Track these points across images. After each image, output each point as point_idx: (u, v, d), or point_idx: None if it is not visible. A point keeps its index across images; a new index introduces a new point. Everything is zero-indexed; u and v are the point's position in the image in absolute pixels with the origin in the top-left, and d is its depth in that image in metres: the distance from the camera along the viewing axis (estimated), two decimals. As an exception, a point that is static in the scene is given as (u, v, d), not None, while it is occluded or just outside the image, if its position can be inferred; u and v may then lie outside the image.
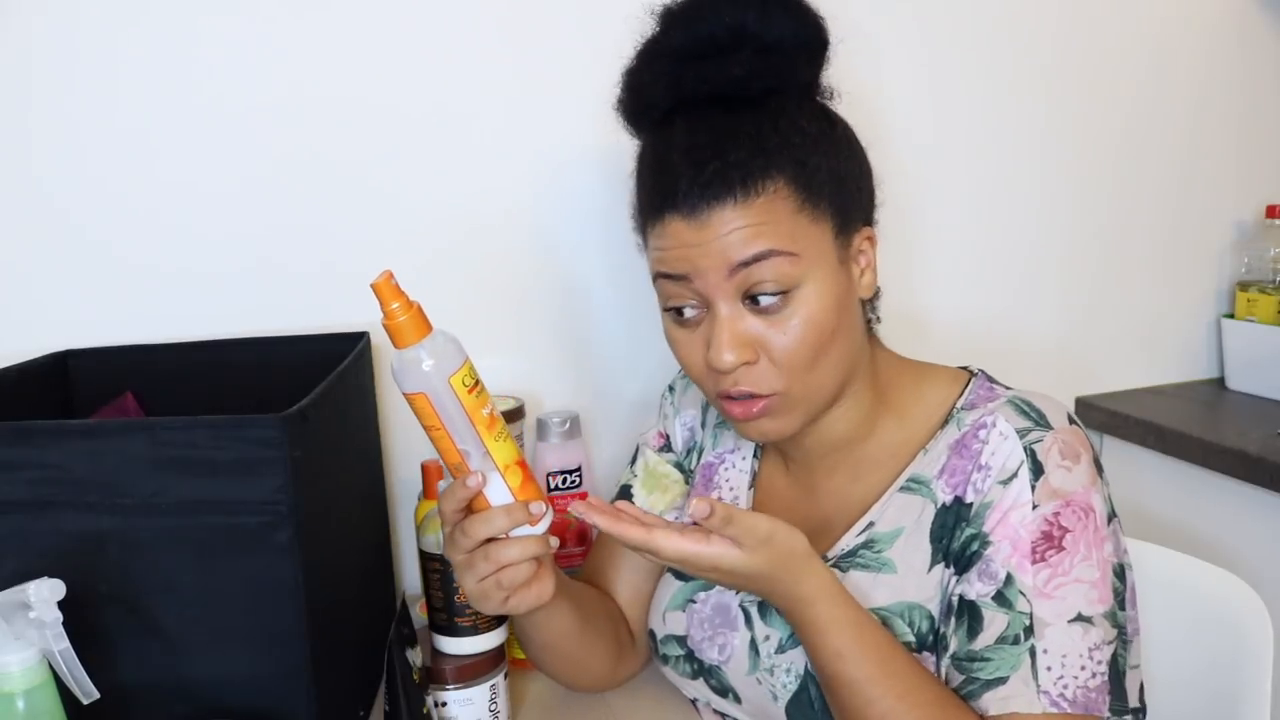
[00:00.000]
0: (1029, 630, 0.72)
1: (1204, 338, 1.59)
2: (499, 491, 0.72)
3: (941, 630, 0.77)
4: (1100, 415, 1.49)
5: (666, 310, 0.81)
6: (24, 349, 1.04)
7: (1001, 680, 0.72)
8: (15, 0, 1.05)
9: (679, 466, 1.01)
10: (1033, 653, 0.72)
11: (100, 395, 1.05)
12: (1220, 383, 1.58)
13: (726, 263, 0.75)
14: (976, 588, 0.75)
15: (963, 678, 0.74)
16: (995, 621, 0.73)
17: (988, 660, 0.73)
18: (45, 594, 0.67)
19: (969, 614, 0.75)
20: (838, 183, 0.78)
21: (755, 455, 0.96)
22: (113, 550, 0.76)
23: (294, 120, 1.14)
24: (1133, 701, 0.78)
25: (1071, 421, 0.80)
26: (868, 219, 0.83)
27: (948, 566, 0.78)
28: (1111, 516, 0.78)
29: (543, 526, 0.74)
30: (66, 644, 0.68)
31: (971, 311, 1.42)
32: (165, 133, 1.11)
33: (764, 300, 0.76)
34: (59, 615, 0.67)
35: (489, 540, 0.73)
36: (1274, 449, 1.27)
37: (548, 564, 0.78)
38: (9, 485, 0.75)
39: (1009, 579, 0.74)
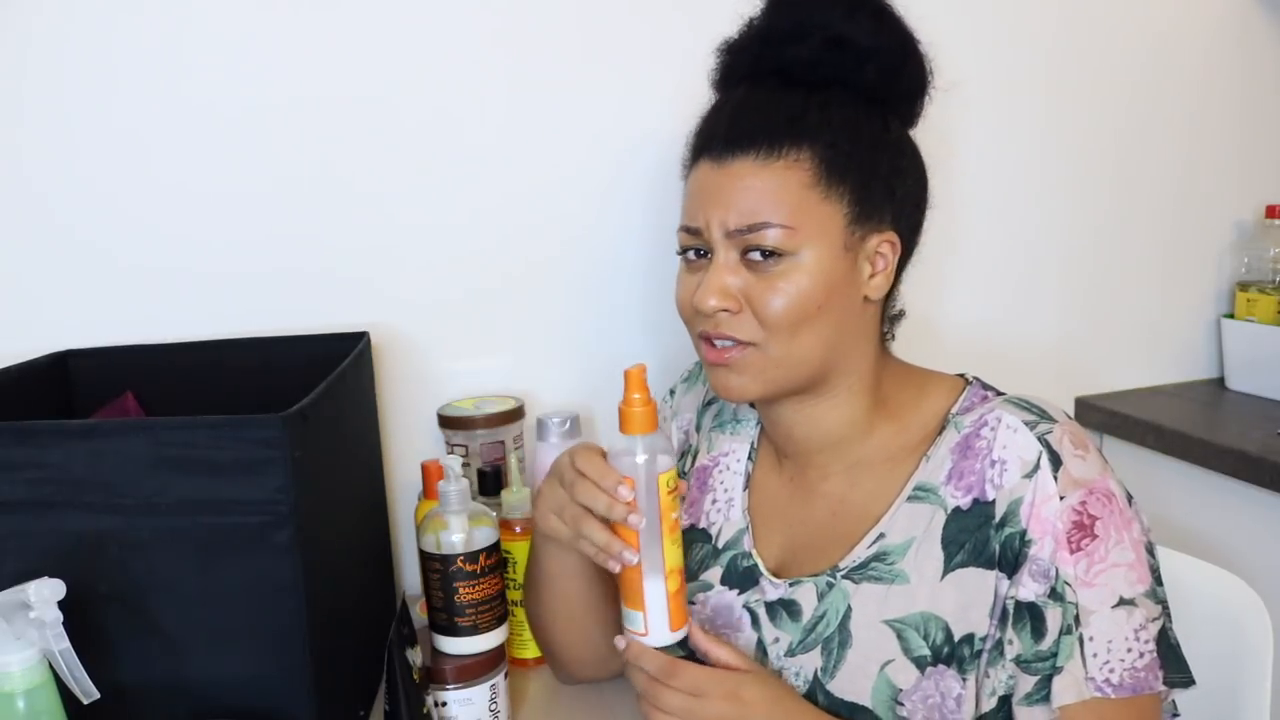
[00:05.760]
0: (1077, 619, 0.74)
1: (1204, 338, 1.59)
2: (656, 590, 0.78)
3: (998, 637, 0.77)
4: (1100, 415, 1.49)
5: (680, 254, 0.88)
6: (24, 349, 1.04)
7: (1059, 670, 0.74)
8: (12, 2, 1.05)
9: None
10: (1081, 641, 0.74)
11: (100, 395, 1.05)
12: (1220, 383, 1.58)
13: (727, 224, 0.80)
14: (1032, 588, 0.75)
15: (1035, 679, 0.75)
16: (1055, 616, 0.75)
17: (1055, 654, 0.75)
18: (45, 594, 0.67)
19: (1030, 615, 0.75)
20: (868, 176, 0.82)
21: (750, 458, 0.96)
22: (113, 550, 0.76)
23: (295, 122, 1.14)
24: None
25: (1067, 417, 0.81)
26: (898, 226, 0.85)
27: (990, 569, 0.78)
28: (1130, 498, 0.79)
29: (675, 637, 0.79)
30: (66, 644, 0.68)
31: (972, 311, 1.42)
32: (166, 134, 1.11)
33: (758, 258, 0.80)
34: (59, 615, 0.67)
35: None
36: (1274, 449, 1.27)
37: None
38: (9, 485, 0.75)
39: (1056, 573, 0.75)
